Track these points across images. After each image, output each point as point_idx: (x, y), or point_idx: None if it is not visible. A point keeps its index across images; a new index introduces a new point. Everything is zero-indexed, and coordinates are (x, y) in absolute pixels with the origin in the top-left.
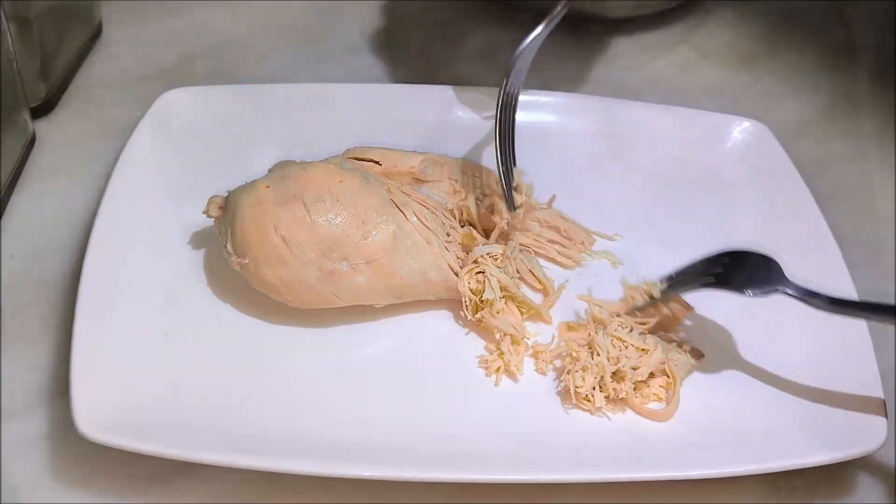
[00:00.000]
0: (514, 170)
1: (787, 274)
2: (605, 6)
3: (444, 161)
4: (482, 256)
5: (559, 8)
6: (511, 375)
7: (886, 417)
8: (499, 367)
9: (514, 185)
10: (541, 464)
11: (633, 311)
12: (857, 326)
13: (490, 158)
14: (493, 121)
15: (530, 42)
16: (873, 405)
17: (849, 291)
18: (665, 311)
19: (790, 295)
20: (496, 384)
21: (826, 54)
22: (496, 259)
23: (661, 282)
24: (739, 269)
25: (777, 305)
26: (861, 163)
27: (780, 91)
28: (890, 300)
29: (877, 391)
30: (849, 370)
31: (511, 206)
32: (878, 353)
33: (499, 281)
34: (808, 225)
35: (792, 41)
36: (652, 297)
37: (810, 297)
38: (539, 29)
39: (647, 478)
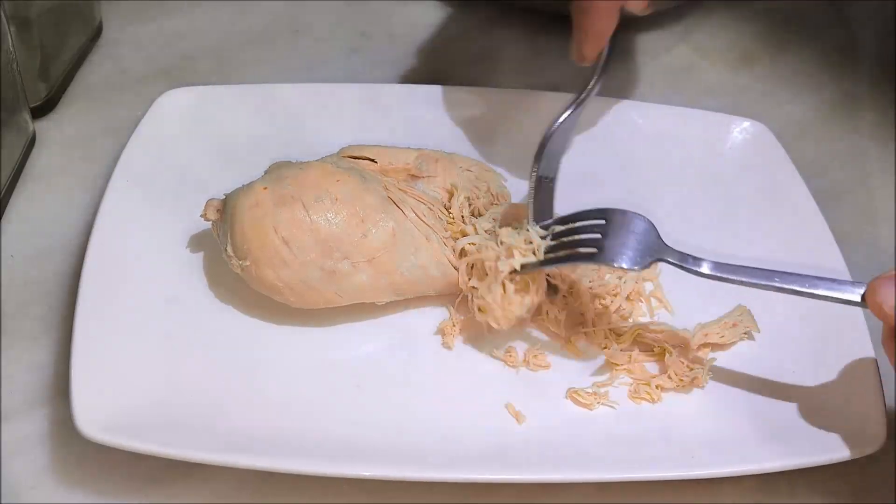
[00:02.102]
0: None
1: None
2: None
3: (439, 156)
4: (469, 245)
5: (589, 87)
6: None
7: (886, 417)
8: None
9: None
10: (541, 464)
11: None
12: (858, 326)
13: (487, 156)
14: (529, 202)
15: (558, 126)
16: (873, 405)
17: None
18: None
19: (670, 262)
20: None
21: (826, 54)
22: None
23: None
24: (616, 236)
25: (777, 306)
26: (861, 163)
27: (780, 91)
28: None
29: (877, 391)
30: (849, 370)
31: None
32: (878, 353)
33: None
34: (808, 225)
35: (792, 41)
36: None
37: (691, 263)
38: (567, 113)
39: (647, 478)
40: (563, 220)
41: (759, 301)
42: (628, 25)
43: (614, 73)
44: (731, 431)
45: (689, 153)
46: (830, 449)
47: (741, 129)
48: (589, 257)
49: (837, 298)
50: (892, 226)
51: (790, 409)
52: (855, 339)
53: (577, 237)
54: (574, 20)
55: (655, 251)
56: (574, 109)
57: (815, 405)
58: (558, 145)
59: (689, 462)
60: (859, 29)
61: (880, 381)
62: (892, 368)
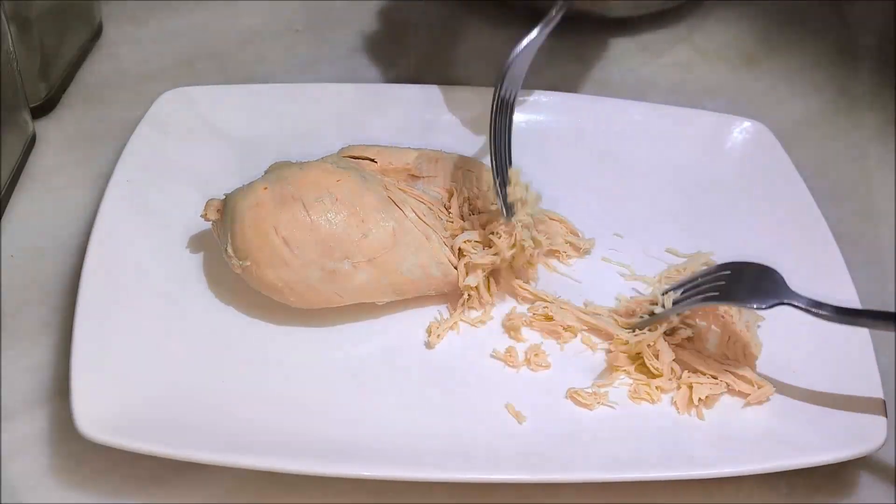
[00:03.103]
0: (511, 170)
1: (789, 284)
2: (605, 6)
3: (439, 156)
4: (465, 243)
5: (554, 12)
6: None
7: (886, 417)
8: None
9: (510, 185)
10: (541, 464)
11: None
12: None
13: (486, 155)
14: (490, 122)
15: (525, 46)
16: (873, 405)
17: (849, 291)
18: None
19: (796, 307)
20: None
21: (826, 54)
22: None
23: (664, 295)
24: (741, 282)
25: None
26: (861, 162)
27: (780, 91)
28: (890, 301)
29: (877, 391)
30: (849, 370)
31: (507, 214)
32: (879, 353)
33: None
34: (808, 225)
35: (792, 41)
36: (653, 314)
37: (816, 307)
38: (534, 33)
39: (647, 478)
40: (691, 276)
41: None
42: (628, 26)
43: (614, 73)
44: (731, 431)
45: (689, 153)
46: (830, 449)
47: (741, 129)
48: (714, 298)
49: None
50: (892, 226)
51: (790, 409)
52: (855, 339)
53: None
54: None
55: (781, 294)
56: (540, 31)
57: (815, 405)
58: (521, 67)
59: (689, 462)
60: (859, 29)
61: (880, 381)
62: (893, 368)
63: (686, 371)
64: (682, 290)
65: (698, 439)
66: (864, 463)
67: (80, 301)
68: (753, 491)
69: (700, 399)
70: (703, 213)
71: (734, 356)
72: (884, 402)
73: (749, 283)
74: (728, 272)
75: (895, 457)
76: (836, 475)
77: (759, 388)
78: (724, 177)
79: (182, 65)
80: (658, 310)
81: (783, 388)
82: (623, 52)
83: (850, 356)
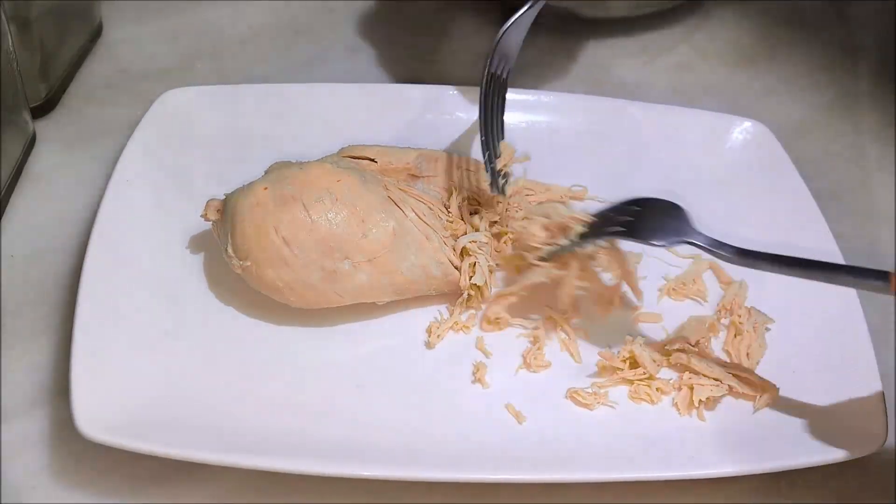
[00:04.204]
0: (503, 143)
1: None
2: (607, 6)
3: (439, 156)
4: (471, 243)
5: None
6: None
7: (886, 417)
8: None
9: (499, 158)
10: (541, 464)
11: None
12: (858, 326)
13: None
14: (480, 98)
15: (514, 21)
16: (873, 405)
17: (848, 291)
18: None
19: (697, 245)
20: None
21: (826, 54)
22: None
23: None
24: (648, 219)
25: (777, 306)
26: (861, 162)
27: (780, 91)
28: (890, 301)
29: (877, 391)
30: (849, 370)
31: (497, 188)
32: (879, 353)
33: (490, 269)
34: (808, 225)
35: (792, 41)
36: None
37: (717, 247)
38: (524, 8)
39: (647, 478)
40: (600, 211)
41: (759, 302)
42: (628, 26)
43: (614, 73)
44: (731, 431)
45: (689, 153)
46: (830, 449)
47: (741, 129)
48: (621, 234)
49: (862, 284)
50: (892, 226)
51: (790, 409)
52: (855, 339)
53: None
54: None
55: (684, 233)
56: (530, 7)
57: (815, 405)
58: (513, 44)
59: (689, 462)
60: (859, 29)
61: (880, 381)
62: (893, 368)
63: (688, 372)
64: (592, 224)
65: (698, 439)
66: (864, 463)
67: (80, 301)
68: (753, 491)
69: (701, 401)
70: (702, 213)
71: (737, 355)
72: (884, 402)
73: (655, 220)
74: (637, 208)
75: (895, 457)
76: (837, 475)
77: (763, 389)
78: (724, 177)
79: (182, 65)
80: (564, 242)
81: (784, 389)
82: (623, 52)
83: (850, 357)
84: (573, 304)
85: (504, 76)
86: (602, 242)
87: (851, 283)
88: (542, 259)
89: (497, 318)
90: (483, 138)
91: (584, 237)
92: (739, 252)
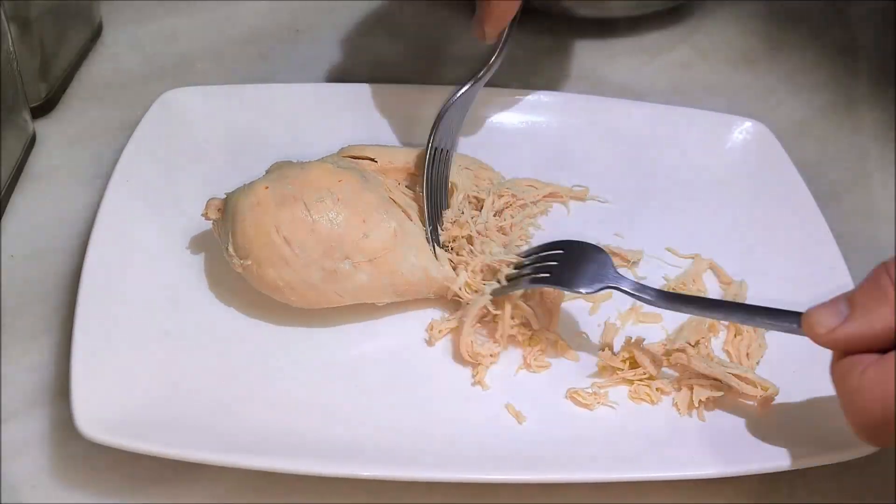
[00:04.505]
0: (445, 213)
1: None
2: (607, 6)
3: None
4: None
5: (489, 65)
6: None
7: None
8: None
9: (443, 229)
10: (541, 464)
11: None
12: None
13: (486, 155)
14: (423, 172)
15: (457, 99)
16: None
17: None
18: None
19: (621, 290)
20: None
21: (826, 54)
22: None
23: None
24: (570, 264)
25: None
26: (861, 162)
27: (780, 91)
28: None
29: None
30: None
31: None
32: None
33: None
34: (808, 225)
35: (792, 41)
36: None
37: (640, 290)
38: (465, 87)
39: (647, 478)
40: (527, 253)
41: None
42: (628, 26)
43: (614, 73)
44: (732, 431)
45: (689, 153)
46: (830, 449)
47: (741, 129)
48: (545, 281)
49: (777, 326)
50: (892, 226)
51: (790, 409)
52: None
53: (536, 265)
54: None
55: (607, 279)
56: (472, 85)
57: (815, 405)
58: (455, 119)
59: (689, 462)
60: (859, 29)
61: None
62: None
63: (688, 372)
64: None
65: (698, 439)
66: (863, 463)
67: (80, 301)
68: (753, 491)
69: (701, 401)
70: (702, 213)
71: (737, 355)
72: None
73: (578, 265)
74: (561, 251)
75: (895, 457)
76: (837, 476)
77: (763, 389)
78: (724, 177)
79: (182, 65)
80: (493, 287)
81: (783, 389)
82: (623, 52)
83: None
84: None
85: (448, 149)
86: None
87: (767, 324)
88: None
89: (477, 353)
90: (427, 212)
91: (513, 281)
92: (661, 295)
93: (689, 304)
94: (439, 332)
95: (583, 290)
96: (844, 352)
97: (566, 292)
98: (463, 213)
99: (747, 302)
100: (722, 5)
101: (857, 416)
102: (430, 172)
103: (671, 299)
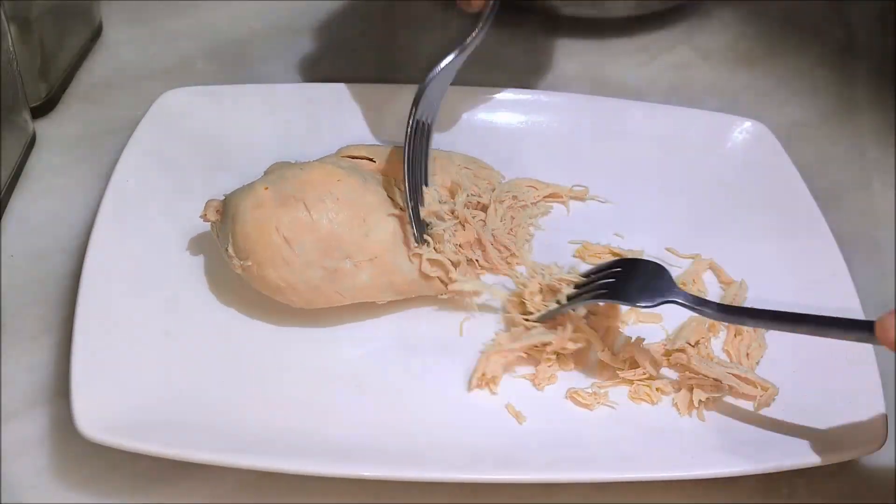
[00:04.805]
0: (426, 190)
1: (676, 282)
2: (606, 6)
3: (437, 154)
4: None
5: (468, 40)
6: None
7: (886, 417)
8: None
9: (424, 206)
10: (541, 464)
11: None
12: None
13: (486, 155)
14: (404, 146)
15: (439, 72)
16: (873, 405)
17: (849, 291)
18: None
19: (680, 304)
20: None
21: (826, 54)
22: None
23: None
24: (631, 279)
25: (777, 305)
26: (861, 163)
27: (780, 91)
28: (890, 301)
29: (877, 392)
30: (849, 370)
31: (419, 238)
32: (879, 353)
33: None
34: (808, 225)
35: (792, 41)
36: (558, 304)
37: (700, 304)
38: (449, 58)
39: (647, 478)
40: (586, 273)
41: (759, 302)
42: (628, 26)
43: (614, 73)
44: (731, 431)
45: (689, 153)
46: (830, 449)
47: (741, 130)
48: (606, 296)
49: (849, 336)
50: (892, 226)
51: (790, 409)
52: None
53: (596, 282)
54: None
55: (667, 293)
56: (456, 56)
57: (815, 405)
58: (437, 91)
59: (689, 462)
60: (859, 29)
61: (880, 381)
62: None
63: (688, 372)
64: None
65: (698, 439)
66: (864, 463)
67: (80, 301)
68: (753, 491)
69: (700, 401)
70: (702, 214)
71: (737, 355)
72: (884, 402)
73: (639, 280)
74: (619, 269)
75: (895, 457)
76: (837, 476)
77: (763, 389)
78: (724, 177)
79: (182, 65)
80: (553, 306)
81: (783, 389)
82: (623, 52)
83: (850, 357)
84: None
85: (429, 123)
86: (588, 304)
87: (839, 336)
88: (538, 320)
89: (494, 377)
90: (406, 187)
91: (571, 299)
92: (723, 308)
93: (754, 317)
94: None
95: (642, 305)
96: None
97: (623, 308)
98: (445, 203)
99: (814, 313)
100: (722, 5)
101: None
102: (410, 146)
103: (735, 312)
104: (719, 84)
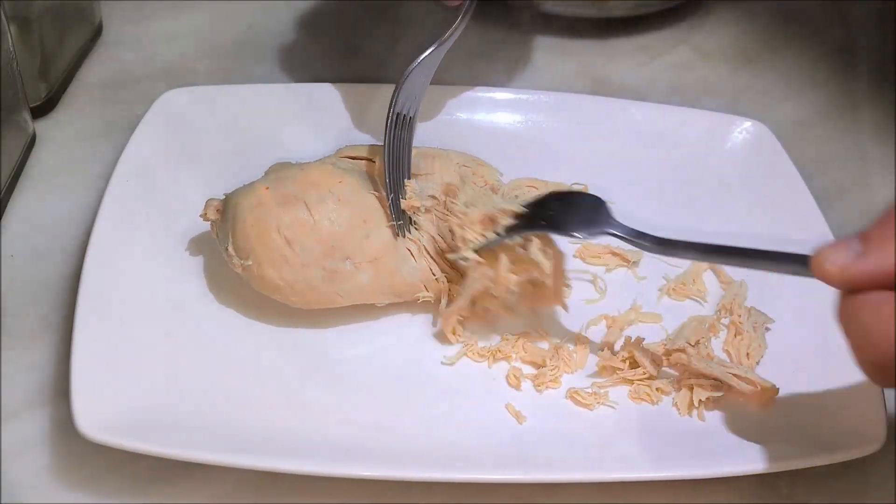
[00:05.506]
0: (407, 182)
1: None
2: (606, 6)
3: (436, 153)
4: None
5: (453, 28)
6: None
7: (886, 417)
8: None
9: (406, 198)
10: (541, 464)
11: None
12: None
13: (486, 155)
14: (384, 138)
15: (419, 63)
16: (873, 405)
17: None
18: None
19: (616, 235)
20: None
21: (826, 54)
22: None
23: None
24: (570, 212)
25: (777, 305)
26: (861, 162)
27: (780, 91)
28: None
29: (876, 391)
30: (849, 370)
31: (401, 230)
32: None
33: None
34: (808, 225)
35: (792, 41)
36: (498, 235)
37: (636, 237)
38: (429, 50)
39: (647, 478)
40: (525, 203)
41: (759, 302)
42: (628, 26)
43: (614, 73)
44: (731, 431)
45: (689, 153)
46: (830, 449)
47: (741, 129)
48: (543, 227)
49: (783, 269)
50: None
51: (790, 409)
52: None
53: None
54: None
55: (604, 224)
56: (435, 49)
57: (815, 405)
58: (418, 84)
59: (689, 462)
60: (859, 29)
61: None
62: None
63: (687, 373)
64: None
65: (698, 439)
66: (863, 463)
67: (80, 301)
68: (753, 491)
69: (700, 401)
70: (703, 213)
71: (737, 355)
72: (884, 402)
73: (578, 213)
74: (558, 201)
75: (895, 457)
76: (837, 475)
77: (763, 389)
78: (725, 177)
79: (182, 65)
80: (491, 236)
81: (783, 388)
82: (623, 52)
83: (849, 356)
84: (509, 300)
85: (411, 115)
86: (525, 235)
87: (771, 267)
88: (475, 250)
89: (454, 331)
90: (387, 179)
91: (510, 230)
92: (658, 241)
93: (687, 249)
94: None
95: (578, 235)
96: (855, 290)
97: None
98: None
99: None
100: (722, 5)
101: (868, 354)
102: (390, 137)
103: (669, 245)
104: (719, 84)
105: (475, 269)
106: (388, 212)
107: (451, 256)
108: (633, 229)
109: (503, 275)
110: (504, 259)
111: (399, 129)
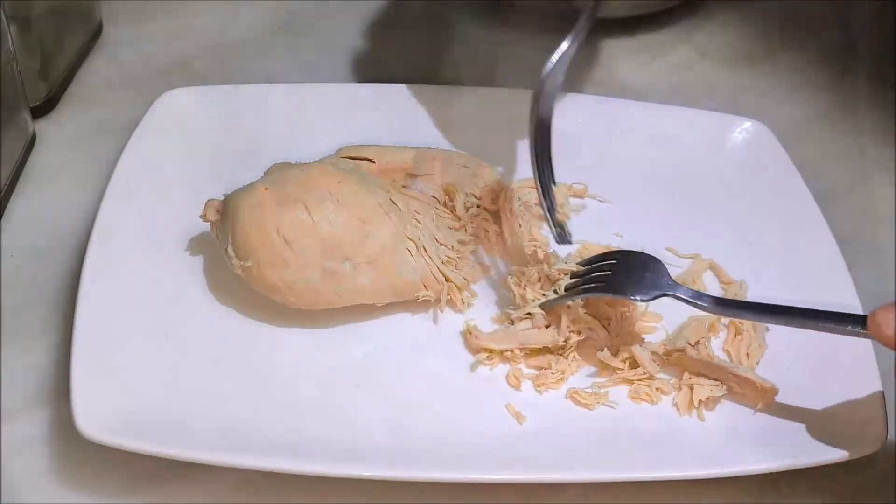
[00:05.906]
0: (555, 188)
1: (677, 281)
2: (605, 6)
3: (436, 154)
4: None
5: (582, 22)
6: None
7: (886, 417)
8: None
9: (559, 207)
10: (541, 464)
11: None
12: None
13: (486, 155)
14: (530, 147)
15: (557, 62)
16: (873, 405)
17: (849, 291)
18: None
19: (678, 298)
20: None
21: (826, 54)
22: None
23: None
24: (627, 272)
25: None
26: (861, 162)
27: (780, 91)
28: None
29: (877, 391)
30: (849, 370)
31: (563, 238)
32: (879, 353)
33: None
34: (808, 225)
35: (792, 41)
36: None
37: (696, 298)
38: (564, 45)
39: (648, 478)
40: (583, 263)
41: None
42: (628, 26)
43: (614, 73)
44: (731, 431)
45: (689, 153)
46: (830, 449)
47: (741, 129)
48: (602, 289)
49: (841, 330)
50: (892, 226)
51: (790, 409)
52: (855, 338)
53: (592, 274)
54: None
55: (663, 287)
56: (571, 42)
57: (815, 405)
58: (554, 83)
59: (689, 462)
60: (859, 29)
61: (880, 381)
62: (893, 368)
63: (687, 373)
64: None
65: (698, 439)
66: (864, 463)
67: (80, 301)
68: (753, 491)
69: (700, 401)
70: (703, 213)
71: (737, 355)
72: (884, 401)
73: (634, 274)
74: (615, 261)
75: (895, 457)
76: (837, 475)
77: (762, 389)
78: (725, 177)
79: (182, 65)
80: (552, 295)
81: (783, 388)
82: (623, 52)
83: (850, 356)
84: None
85: (549, 118)
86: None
87: (830, 329)
88: (541, 306)
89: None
90: (539, 188)
91: (569, 290)
92: (718, 301)
93: (748, 310)
94: (488, 358)
95: (638, 298)
96: None
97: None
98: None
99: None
100: (722, 5)
101: None
102: (536, 141)
103: (729, 305)
104: (719, 84)
105: (536, 323)
106: (547, 223)
107: (514, 314)
108: (693, 290)
109: (566, 334)
110: (564, 319)
111: (541, 135)
